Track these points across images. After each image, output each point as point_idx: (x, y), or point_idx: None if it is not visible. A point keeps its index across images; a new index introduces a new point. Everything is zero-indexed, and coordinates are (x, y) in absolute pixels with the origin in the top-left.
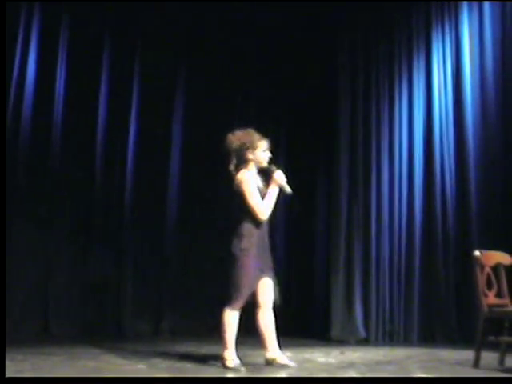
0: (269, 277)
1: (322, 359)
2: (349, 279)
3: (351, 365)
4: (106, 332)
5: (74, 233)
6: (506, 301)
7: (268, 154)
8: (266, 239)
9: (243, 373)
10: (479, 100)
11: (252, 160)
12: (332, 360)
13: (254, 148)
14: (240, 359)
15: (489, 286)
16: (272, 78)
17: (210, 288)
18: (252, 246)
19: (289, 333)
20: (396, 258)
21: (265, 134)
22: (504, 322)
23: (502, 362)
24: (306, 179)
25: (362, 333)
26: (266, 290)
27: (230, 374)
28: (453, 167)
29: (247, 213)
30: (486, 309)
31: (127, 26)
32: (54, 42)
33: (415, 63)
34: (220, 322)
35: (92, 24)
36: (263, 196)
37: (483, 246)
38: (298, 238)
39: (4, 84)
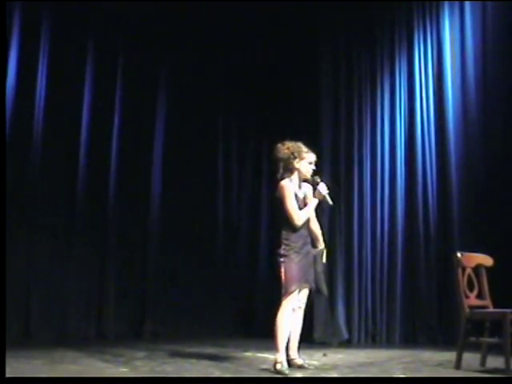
0: (308, 288)
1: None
2: (331, 281)
3: (334, 367)
4: (87, 335)
5: (55, 234)
6: (487, 302)
7: (313, 167)
8: (309, 250)
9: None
10: (460, 101)
11: (297, 170)
12: (315, 362)
13: (300, 158)
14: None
15: (470, 287)
16: (254, 80)
17: (192, 291)
18: (291, 252)
19: (271, 335)
20: (378, 259)
21: (247, 138)
22: (485, 323)
23: (483, 362)
24: None
25: (344, 335)
26: (302, 299)
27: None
28: (434, 169)
29: (285, 220)
30: (467, 310)
31: (110, 27)
32: (35, 42)
33: (397, 64)
34: (274, 325)
35: (74, 24)
36: (304, 205)
37: (464, 248)
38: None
39: (4, 84)
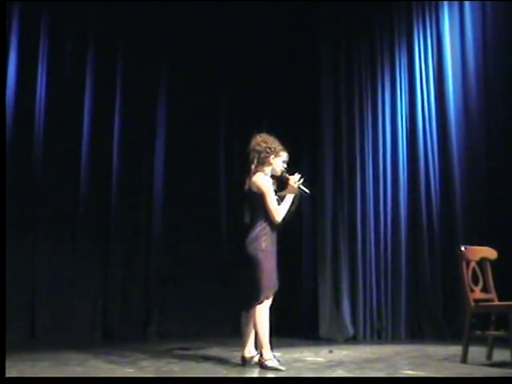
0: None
1: (311, 358)
2: (336, 278)
3: (340, 363)
4: (93, 336)
5: (60, 235)
6: (492, 295)
7: (284, 165)
8: (275, 242)
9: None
10: (461, 98)
11: (271, 165)
12: (321, 359)
13: (276, 155)
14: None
15: (475, 281)
16: (257, 75)
17: (197, 290)
18: (270, 247)
19: (277, 333)
20: (382, 255)
21: (246, 136)
22: (490, 317)
23: (489, 356)
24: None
25: (350, 331)
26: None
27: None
28: (437, 164)
29: (264, 215)
30: (472, 304)
31: (109, 28)
32: (34, 44)
33: (397, 62)
34: (254, 323)
35: (73, 25)
36: (278, 201)
37: (468, 242)
38: (283, 238)
39: (4, 84)
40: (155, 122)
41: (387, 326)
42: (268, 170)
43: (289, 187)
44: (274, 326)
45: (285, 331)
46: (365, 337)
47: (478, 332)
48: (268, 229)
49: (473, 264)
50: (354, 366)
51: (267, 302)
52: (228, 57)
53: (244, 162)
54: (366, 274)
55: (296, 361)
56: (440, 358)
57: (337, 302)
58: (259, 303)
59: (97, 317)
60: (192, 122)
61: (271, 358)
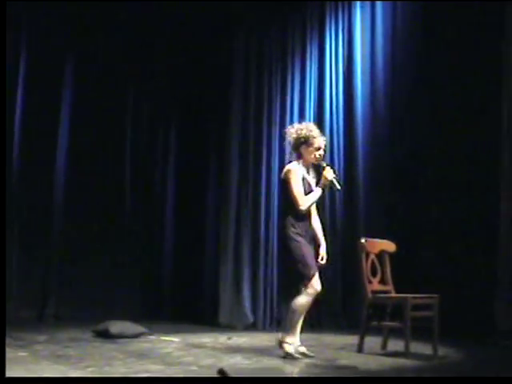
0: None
1: (210, 344)
2: (237, 266)
3: (238, 350)
4: None
5: None
6: (390, 287)
7: (321, 152)
8: (309, 233)
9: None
10: (369, 95)
11: (302, 155)
12: (219, 345)
13: (307, 144)
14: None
15: (373, 273)
16: (165, 66)
17: (96, 273)
18: (297, 235)
19: (178, 318)
20: None
21: (157, 121)
22: (387, 308)
23: (384, 346)
24: (197, 168)
25: (249, 318)
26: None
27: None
28: (342, 156)
29: (290, 203)
30: (369, 295)
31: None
32: None
33: (308, 57)
34: (290, 307)
35: None
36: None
37: (369, 235)
38: (187, 226)
39: (4, 85)
40: (58, 119)
41: (286, 315)
42: (300, 159)
43: (322, 179)
44: (177, 312)
45: (185, 317)
46: (264, 325)
47: (375, 322)
48: (294, 217)
49: (372, 256)
50: (252, 352)
51: (309, 291)
52: (134, 45)
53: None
54: (267, 263)
55: (195, 347)
56: (337, 347)
57: (237, 290)
58: (306, 283)
59: None
60: (99, 100)
61: (291, 344)
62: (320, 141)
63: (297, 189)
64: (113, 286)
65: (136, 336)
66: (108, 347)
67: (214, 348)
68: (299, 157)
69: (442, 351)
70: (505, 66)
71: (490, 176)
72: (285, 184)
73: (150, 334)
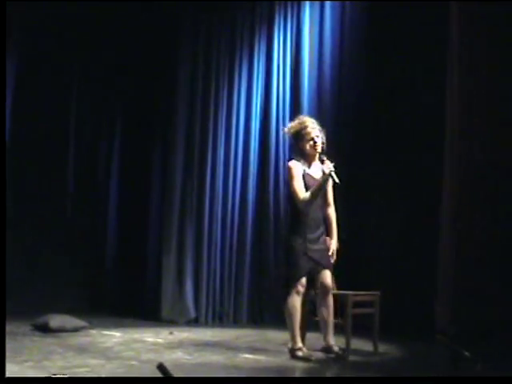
0: (325, 267)
1: (151, 339)
2: (180, 260)
3: (180, 345)
4: None
5: None
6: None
7: (317, 141)
8: (319, 230)
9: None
10: (315, 90)
11: (303, 148)
12: (160, 340)
13: (302, 137)
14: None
15: None
16: (113, 61)
17: (33, 267)
18: (296, 233)
19: (119, 313)
20: (228, 240)
21: (101, 113)
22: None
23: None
24: (141, 160)
25: (192, 313)
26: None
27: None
28: (287, 150)
29: (292, 200)
30: (311, 291)
31: None
32: None
33: (256, 53)
34: (284, 311)
35: None
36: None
37: None
38: (130, 218)
39: (4, 85)
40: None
41: (229, 311)
42: (302, 155)
43: (322, 171)
44: (119, 306)
45: (126, 311)
46: (207, 320)
47: (317, 318)
48: (296, 216)
49: None
50: (194, 348)
51: (295, 290)
52: (82, 38)
53: None
54: (210, 257)
55: (136, 341)
56: (278, 342)
57: (180, 284)
58: (289, 288)
59: None
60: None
61: (300, 347)
62: (312, 131)
63: (296, 184)
64: (53, 280)
65: (76, 330)
66: (47, 341)
67: (155, 343)
68: (301, 153)
69: (382, 348)
70: (448, 57)
71: (432, 176)
72: (287, 182)
73: (91, 328)
